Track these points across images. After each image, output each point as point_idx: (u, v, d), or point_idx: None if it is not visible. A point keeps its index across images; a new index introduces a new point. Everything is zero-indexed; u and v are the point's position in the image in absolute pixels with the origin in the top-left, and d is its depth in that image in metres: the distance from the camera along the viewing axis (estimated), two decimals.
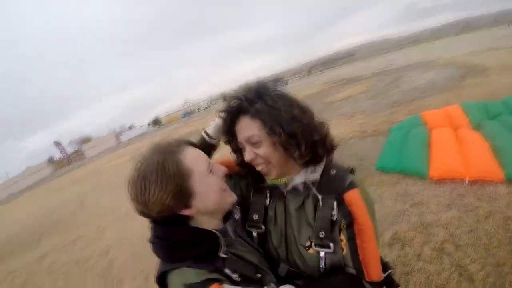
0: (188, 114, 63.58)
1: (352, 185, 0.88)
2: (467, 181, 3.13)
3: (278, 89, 0.94)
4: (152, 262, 2.96)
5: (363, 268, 0.84)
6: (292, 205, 0.97)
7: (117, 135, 64.11)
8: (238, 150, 1.00)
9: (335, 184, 0.91)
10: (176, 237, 0.83)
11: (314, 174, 0.94)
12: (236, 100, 0.92)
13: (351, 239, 0.86)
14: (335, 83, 19.99)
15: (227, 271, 0.81)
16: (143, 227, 3.78)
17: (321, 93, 16.63)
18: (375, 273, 0.85)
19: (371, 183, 3.86)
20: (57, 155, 62.82)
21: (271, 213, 1.02)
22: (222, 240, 0.84)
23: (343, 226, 0.87)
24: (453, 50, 15.99)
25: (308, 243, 0.91)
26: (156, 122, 72.62)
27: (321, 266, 0.89)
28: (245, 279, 0.82)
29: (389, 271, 1.00)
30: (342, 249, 0.87)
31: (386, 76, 14.24)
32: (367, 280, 0.84)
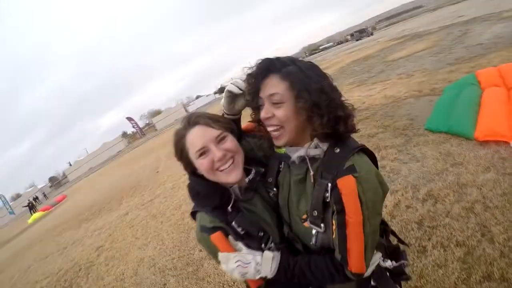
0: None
1: (350, 170, 0.83)
2: (511, 145, 3.12)
3: (310, 61, 0.95)
4: None
5: (346, 258, 0.86)
6: (293, 177, 0.99)
7: (185, 105, 66.34)
8: (257, 108, 0.98)
9: (334, 164, 0.87)
10: (197, 187, 1.04)
11: (316, 150, 0.93)
12: (267, 59, 0.93)
13: (341, 227, 0.85)
14: (399, 39, 18.66)
15: (234, 224, 0.97)
16: None
17: (383, 51, 15.78)
18: (356, 265, 0.85)
19: (417, 142, 4.02)
20: (130, 129, 67.50)
21: (280, 178, 1.06)
22: (233, 196, 1.00)
23: (335, 212, 0.86)
24: None
25: (304, 217, 0.94)
26: (221, 90, 73.89)
27: (311, 243, 0.94)
28: (248, 235, 0.97)
29: (402, 261, 1.06)
30: (332, 233, 0.88)
31: (453, 30, 12.98)
32: (349, 269, 0.86)
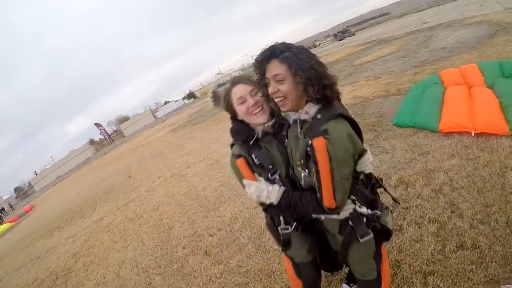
0: (221, 85, 62.92)
1: (322, 133, 1.11)
2: (473, 134, 3.40)
3: (301, 45, 1.23)
4: (197, 210, 3.77)
5: (322, 196, 1.19)
6: (292, 133, 1.33)
7: (153, 111, 65.75)
8: (265, 85, 1.26)
9: (315, 127, 1.16)
10: (234, 127, 1.48)
11: (306, 115, 1.22)
12: (269, 48, 1.20)
13: (316, 174, 1.17)
14: (366, 44, 19.47)
15: (253, 155, 1.40)
16: (186, 185, 4.68)
17: (351, 56, 16.42)
18: (327, 202, 1.18)
19: (386, 136, 4.30)
20: (97, 136, 66.06)
21: (288, 133, 1.38)
22: (256, 135, 1.42)
23: (313, 161, 1.16)
24: (490, 7, 14.92)
25: (298, 163, 1.28)
26: (190, 95, 73.77)
27: (301, 183, 1.32)
28: (261, 165, 1.39)
29: (375, 211, 1.36)
30: (313, 177, 1.20)
31: (418, 35, 13.74)
32: (324, 204, 1.20)
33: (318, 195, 1.21)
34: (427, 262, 2.11)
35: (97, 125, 59.11)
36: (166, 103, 75.58)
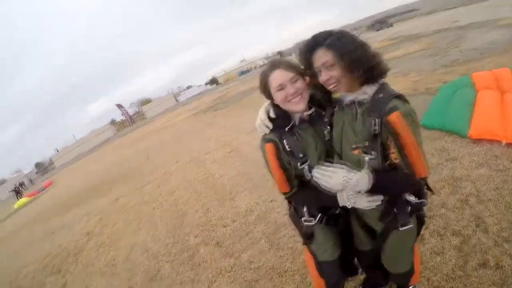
0: (244, 72, 63.13)
1: (393, 109, 1.12)
2: (504, 143, 3.21)
3: (341, 30, 1.24)
4: (213, 198, 3.71)
5: (413, 169, 1.16)
6: (347, 116, 1.29)
7: (176, 95, 65.90)
8: (314, 75, 1.28)
9: (379, 106, 1.16)
10: (274, 110, 1.40)
11: (363, 95, 1.23)
12: (312, 38, 1.23)
13: (400, 150, 1.14)
14: (394, 39, 18.86)
15: (284, 141, 1.35)
16: (204, 172, 4.62)
17: (379, 50, 15.95)
18: (422, 171, 1.17)
19: None
20: (119, 117, 67.09)
21: (334, 119, 1.36)
22: (292, 121, 1.38)
23: (391, 141, 1.15)
24: None
25: (354, 146, 1.25)
26: (213, 81, 73.34)
27: (364, 168, 1.23)
28: (291, 153, 1.35)
29: (422, 200, 1.33)
30: (396, 158, 1.18)
31: (447, 34, 13.18)
32: (417, 177, 1.18)
33: (407, 170, 1.17)
34: (447, 278, 2.00)
35: (119, 106, 59.93)
36: (188, 87, 75.67)
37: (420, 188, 1.32)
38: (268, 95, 1.40)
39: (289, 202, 1.60)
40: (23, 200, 20.36)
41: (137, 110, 72.44)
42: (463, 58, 7.78)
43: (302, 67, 1.33)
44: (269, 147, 1.35)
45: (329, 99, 1.40)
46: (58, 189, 17.93)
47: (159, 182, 7.25)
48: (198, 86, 72.18)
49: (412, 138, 1.12)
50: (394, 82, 7.45)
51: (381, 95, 1.19)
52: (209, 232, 3.76)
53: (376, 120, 1.15)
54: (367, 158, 1.22)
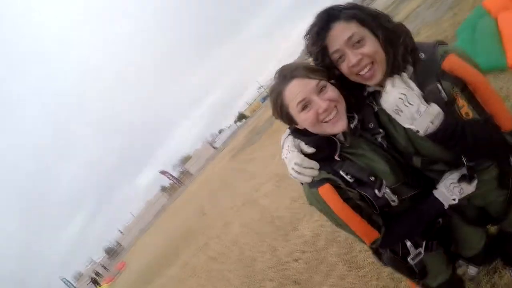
0: (266, 97, 63.41)
1: (445, 54, 0.89)
2: None
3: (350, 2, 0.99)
4: (276, 235, 3.51)
5: (495, 120, 0.90)
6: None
7: (211, 143, 68.38)
8: (332, 67, 0.96)
9: (430, 65, 0.92)
10: (306, 141, 1.02)
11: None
12: (323, 12, 0.92)
13: (472, 100, 0.89)
14: (392, 4, 18.25)
15: (341, 172, 0.97)
16: (259, 210, 4.44)
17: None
18: (507, 122, 0.91)
19: None
20: (167, 182, 68.82)
21: (385, 119, 1.02)
22: (338, 146, 1.00)
23: (458, 94, 0.88)
24: None
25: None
26: (241, 117, 74.62)
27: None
28: (358, 181, 0.97)
29: None
30: (467, 114, 0.89)
31: None
32: (503, 131, 0.92)
33: (489, 125, 0.91)
34: None
35: (163, 172, 62.15)
36: (220, 131, 77.95)
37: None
38: (289, 119, 1.03)
39: (376, 251, 1.25)
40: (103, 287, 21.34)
41: (181, 170, 75.11)
42: None
43: (312, 57, 0.98)
44: (326, 190, 0.96)
45: (355, 96, 1.05)
46: (130, 269, 18.71)
47: (219, 234, 7.23)
48: (228, 127, 74.16)
49: (482, 78, 0.89)
50: None
51: (423, 54, 0.94)
52: (282, 272, 3.57)
53: (438, 84, 0.88)
54: None
